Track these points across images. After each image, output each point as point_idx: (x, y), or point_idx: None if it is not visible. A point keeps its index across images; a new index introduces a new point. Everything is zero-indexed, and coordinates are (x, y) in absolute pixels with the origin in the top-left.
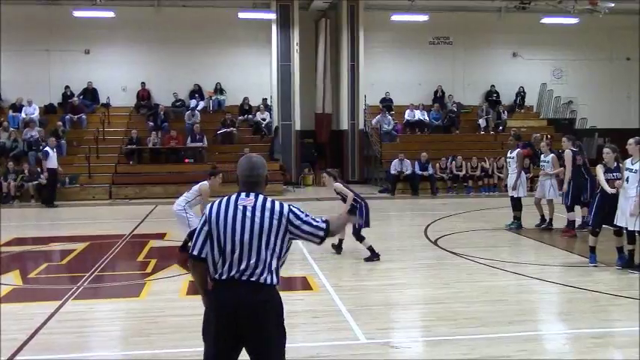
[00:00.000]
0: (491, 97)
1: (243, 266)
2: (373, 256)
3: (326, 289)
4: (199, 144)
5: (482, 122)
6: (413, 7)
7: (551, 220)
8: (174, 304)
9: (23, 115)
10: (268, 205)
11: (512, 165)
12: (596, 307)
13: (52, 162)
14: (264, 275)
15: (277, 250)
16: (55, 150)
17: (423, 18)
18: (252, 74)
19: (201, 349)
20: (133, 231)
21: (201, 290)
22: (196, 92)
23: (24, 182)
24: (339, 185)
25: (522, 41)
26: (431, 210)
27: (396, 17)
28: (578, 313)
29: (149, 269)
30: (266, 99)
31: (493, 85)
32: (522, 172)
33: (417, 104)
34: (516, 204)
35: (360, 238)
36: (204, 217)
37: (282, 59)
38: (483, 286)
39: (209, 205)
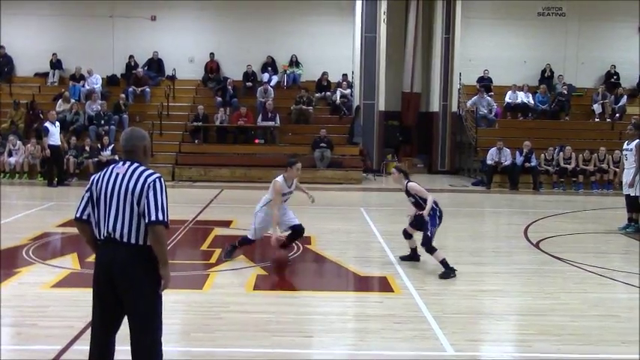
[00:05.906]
0: (611, 80)
1: (112, 227)
2: (448, 270)
3: (409, 291)
4: (271, 123)
5: (597, 108)
6: None
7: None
8: (241, 300)
9: (85, 86)
10: (137, 172)
11: (630, 158)
12: None
13: (54, 138)
14: (131, 235)
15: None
16: (56, 125)
17: None
18: (332, 46)
19: (267, 350)
20: (196, 217)
21: (92, 249)
22: (269, 65)
23: (84, 159)
24: (415, 186)
25: None
26: (532, 207)
27: None
28: None
29: (213, 259)
30: (347, 75)
31: (614, 65)
32: None
33: (521, 85)
34: (633, 204)
35: (431, 250)
36: (88, 184)
37: (367, 30)
38: (592, 299)
39: (95, 174)
